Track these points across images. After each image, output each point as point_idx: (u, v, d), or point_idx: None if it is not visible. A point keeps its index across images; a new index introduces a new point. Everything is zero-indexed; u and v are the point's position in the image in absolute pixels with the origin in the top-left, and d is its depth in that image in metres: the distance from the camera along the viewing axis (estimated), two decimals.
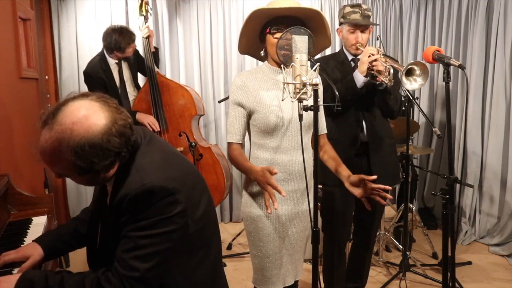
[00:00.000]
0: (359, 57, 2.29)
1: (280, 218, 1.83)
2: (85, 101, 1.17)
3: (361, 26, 2.32)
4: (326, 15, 4.09)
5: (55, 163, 1.16)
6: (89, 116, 1.13)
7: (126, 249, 1.17)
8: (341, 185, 2.38)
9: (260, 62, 1.98)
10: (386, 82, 2.10)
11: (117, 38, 3.10)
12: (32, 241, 1.50)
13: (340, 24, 2.41)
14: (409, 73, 1.95)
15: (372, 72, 2.15)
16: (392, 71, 2.09)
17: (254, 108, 1.78)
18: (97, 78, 3.15)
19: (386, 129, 2.46)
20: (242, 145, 1.86)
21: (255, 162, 1.84)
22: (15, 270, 1.43)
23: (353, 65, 2.39)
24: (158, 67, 3.47)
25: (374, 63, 2.13)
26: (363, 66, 2.15)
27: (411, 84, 1.95)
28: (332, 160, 1.93)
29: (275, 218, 1.82)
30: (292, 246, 1.88)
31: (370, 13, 2.34)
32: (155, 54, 3.42)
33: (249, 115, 1.82)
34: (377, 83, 2.18)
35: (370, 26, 2.36)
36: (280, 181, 1.81)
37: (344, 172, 1.86)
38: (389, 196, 1.71)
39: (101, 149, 1.13)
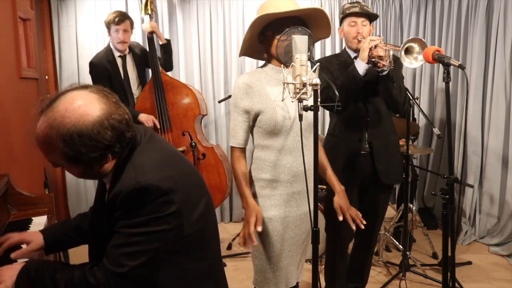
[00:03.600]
0: None
1: (284, 220, 1.82)
2: (83, 91, 1.17)
3: (361, 17, 2.33)
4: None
5: (48, 151, 1.16)
6: (84, 105, 1.13)
7: (116, 245, 1.17)
8: (345, 188, 2.37)
9: (260, 62, 1.98)
10: (387, 65, 2.10)
11: (112, 14, 3.26)
12: (39, 230, 1.53)
13: (341, 22, 2.43)
14: (408, 51, 1.93)
15: (374, 59, 2.16)
16: (392, 53, 2.09)
17: (260, 110, 1.77)
18: (103, 69, 3.19)
19: (391, 125, 2.44)
20: (245, 149, 1.86)
21: (259, 165, 1.83)
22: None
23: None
24: (171, 60, 3.47)
25: (374, 50, 2.13)
26: (364, 53, 2.15)
27: (411, 63, 1.92)
28: (320, 165, 1.91)
29: (278, 220, 1.81)
30: (294, 248, 1.87)
31: (369, 10, 2.36)
32: (167, 47, 3.41)
33: (254, 119, 1.80)
34: (379, 69, 2.17)
35: (371, 24, 2.37)
36: (285, 182, 1.81)
37: (336, 185, 1.95)
38: (362, 226, 1.93)
39: (90, 140, 1.12)
